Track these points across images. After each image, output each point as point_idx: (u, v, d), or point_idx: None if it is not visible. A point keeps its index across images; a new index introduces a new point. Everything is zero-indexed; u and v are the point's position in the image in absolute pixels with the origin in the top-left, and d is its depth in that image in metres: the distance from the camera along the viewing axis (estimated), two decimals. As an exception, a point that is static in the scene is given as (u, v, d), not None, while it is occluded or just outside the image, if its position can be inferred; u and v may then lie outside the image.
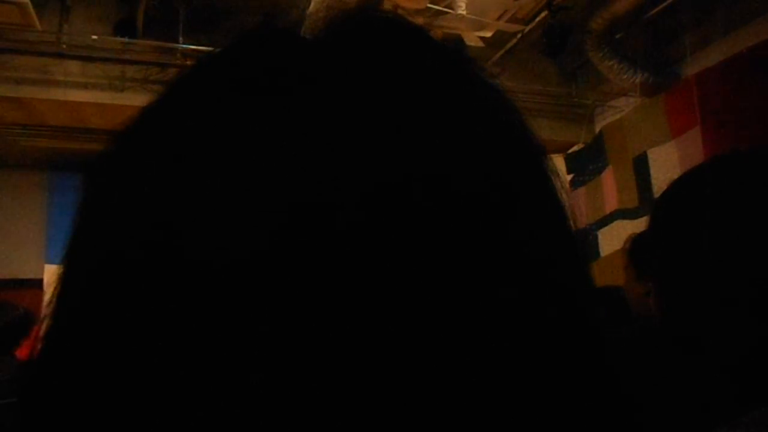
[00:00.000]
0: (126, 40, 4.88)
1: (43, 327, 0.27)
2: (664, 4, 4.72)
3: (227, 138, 0.23)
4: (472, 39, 4.73)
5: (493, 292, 0.22)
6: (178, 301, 0.22)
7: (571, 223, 0.27)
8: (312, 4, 4.48)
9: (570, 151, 6.38)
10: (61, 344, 0.25)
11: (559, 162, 6.46)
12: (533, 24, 5.01)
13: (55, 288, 0.28)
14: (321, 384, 0.21)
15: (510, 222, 0.24)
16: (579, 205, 6.23)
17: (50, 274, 6.30)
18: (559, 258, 0.26)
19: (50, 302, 0.27)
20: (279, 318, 0.21)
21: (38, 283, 6.23)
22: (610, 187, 5.82)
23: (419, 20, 4.42)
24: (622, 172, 5.68)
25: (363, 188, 0.22)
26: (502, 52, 5.64)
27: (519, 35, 5.25)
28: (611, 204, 5.78)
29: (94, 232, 0.26)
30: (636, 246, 1.94)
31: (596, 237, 5.96)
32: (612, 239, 5.62)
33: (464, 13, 4.21)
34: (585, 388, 0.24)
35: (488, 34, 4.72)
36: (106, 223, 0.25)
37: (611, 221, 5.75)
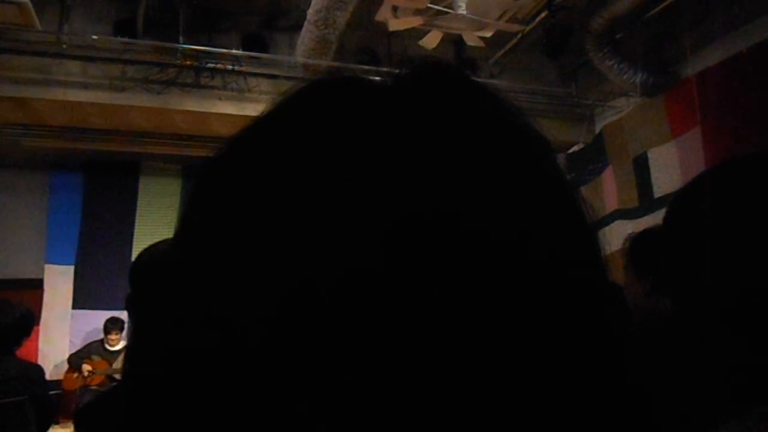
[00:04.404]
0: (126, 40, 4.89)
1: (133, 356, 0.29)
2: (664, 4, 4.72)
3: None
4: (472, 39, 4.72)
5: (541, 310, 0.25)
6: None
7: (599, 245, 0.31)
8: (312, 5, 4.48)
9: (570, 151, 6.38)
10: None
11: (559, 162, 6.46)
12: (533, 24, 5.01)
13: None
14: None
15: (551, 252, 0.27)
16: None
17: (50, 274, 6.32)
18: (586, 283, 0.28)
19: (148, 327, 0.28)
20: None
21: (38, 283, 6.24)
22: (610, 187, 5.82)
23: (419, 20, 4.42)
24: (622, 172, 5.68)
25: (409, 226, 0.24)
26: (502, 52, 5.65)
27: (519, 35, 5.26)
28: (611, 204, 5.78)
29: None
30: (636, 246, 1.93)
31: (596, 237, 5.96)
32: (612, 239, 5.62)
33: (464, 13, 4.21)
34: (605, 388, 0.26)
35: (488, 34, 4.72)
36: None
37: (611, 221, 5.75)
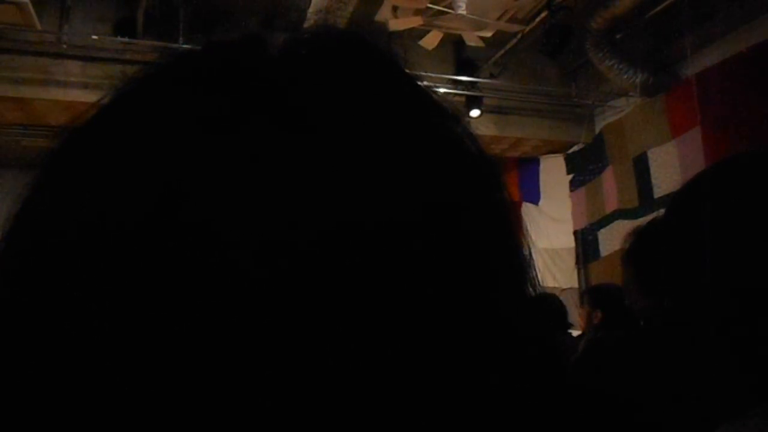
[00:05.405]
0: (126, 40, 4.89)
1: None
2: (664, 4, 4.72)
3: (170, 144, 0.24)
4: (472, 39, 4.72)
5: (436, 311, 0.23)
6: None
7: (521, 243, 0.28)
8: (312, 5, 4.48)
9: (570, 151, 6.38)
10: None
11: (559, 162, 6.47)
12: (533, 24, 5.01)
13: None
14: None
15: (456, 248, 0.25)
16: (579, 206, 6.23)
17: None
18: (501, 284, 0.26)
19: None
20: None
21: (38, 283, 6.24)
22: (610, 187, 5.82)
23: (419, 20, 4.42)
24: (622, 172, 5.68)
25: (317, 227, 0.22)
26: (502, 52, 5.65)
27: (519, 35, 5.26)
28: (611, 204, 5.79)
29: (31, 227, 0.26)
30: (639, 247, 1.80)
31: (596, 237, 5.97)
32: (612, 239, 5.63)
33: (464, 13, 4.21)
34: (514, 386, 0.25)
35: (488, 34, 4.72)
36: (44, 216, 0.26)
37: (611, 221, 5.75)
